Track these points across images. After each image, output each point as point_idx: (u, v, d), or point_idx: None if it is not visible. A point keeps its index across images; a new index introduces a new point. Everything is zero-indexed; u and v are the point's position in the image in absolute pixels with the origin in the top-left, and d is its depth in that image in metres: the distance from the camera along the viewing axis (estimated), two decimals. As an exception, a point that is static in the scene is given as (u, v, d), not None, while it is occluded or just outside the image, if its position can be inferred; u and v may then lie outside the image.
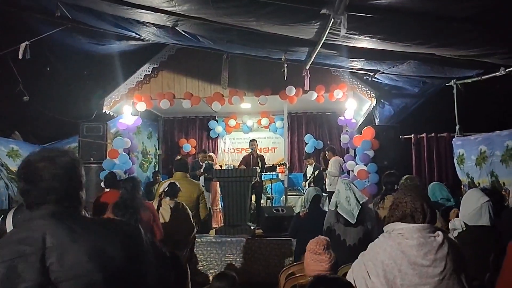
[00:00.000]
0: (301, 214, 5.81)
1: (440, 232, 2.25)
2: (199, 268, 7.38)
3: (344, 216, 4.39)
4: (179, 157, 8.89)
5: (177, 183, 5.26)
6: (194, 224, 5.35)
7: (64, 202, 1.57)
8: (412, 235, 2.20)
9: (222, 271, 4.32)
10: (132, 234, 1.61)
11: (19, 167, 1.61)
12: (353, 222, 4.37)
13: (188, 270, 5.23)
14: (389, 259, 2.17)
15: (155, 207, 4.93)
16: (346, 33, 5.06)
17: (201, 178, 9.53)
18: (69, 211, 1.57)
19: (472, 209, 3.25)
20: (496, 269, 2.63)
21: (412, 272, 2.13)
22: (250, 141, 9.82)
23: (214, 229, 8.07)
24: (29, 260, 1.40)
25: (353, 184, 4.72)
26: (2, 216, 2.63)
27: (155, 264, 1.64)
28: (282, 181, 10.25)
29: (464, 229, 3.24)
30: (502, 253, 2.67)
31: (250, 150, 9.64)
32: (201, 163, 10.02)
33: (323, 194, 9.25)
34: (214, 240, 7.48)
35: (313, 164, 9.96)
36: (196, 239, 6.93)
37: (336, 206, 4.54)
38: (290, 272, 3.92)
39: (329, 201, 9.25)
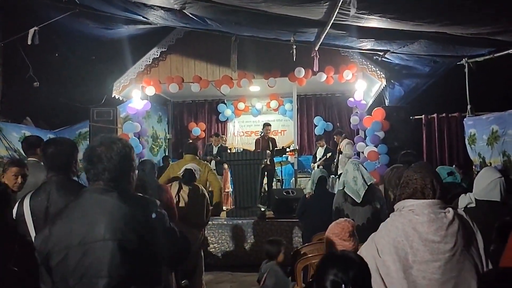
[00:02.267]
0: (307, 196, 5.83)
1: (450, 209, 2.26)
2: (211, 250, 7.45)
3: (351, 195, 4.41)
4: (190, 141, 8.93)
5: (193, 170, 5.26)
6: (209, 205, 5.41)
7: (115, 181, 1.92)
8: (422, 211, 2.21)
9: (273, 237, 4.68)
10: (159, 212, 1.95)
11: (85, 150, 1.98)
12: (359, 201, 4.39)
13: (202, 254, 5.29)
14: (400, 236, 2.18)
15: (176, 190, 4.97)
16: (355, 12, 5.02)
17: (213, 162, 9.55)
18: (118, 189, 1.91)
19: (484, 185, 3.29)
20: (501, 241, 2.64)
21: (423, 249, 2.13)
22: (264, 124, 9.79)
23: (225, 212, 8.13)
24: (77, 220, 1.83)
25: (362, 165, 4.72)
26: (20, 199, 2.67)
27: (169, 239, 2.00)
28: (292, 164, 10.26)
29: (474, 205, 3.29)
30: (508, 226, 2.68)
31: (261, 133, 9.59)
32: (214, 147, 10.03)
33: (334, 176, 9.26)
34: (225, 222, 7.54)
35: (324, 146, 9.94)
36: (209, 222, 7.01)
37: (344, 186, 4.56)
38: (302, 252, 3.95)
39: (340, 183, 9.33)
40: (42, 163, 4.40)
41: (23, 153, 7.79)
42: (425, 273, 2.11)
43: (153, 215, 1.92)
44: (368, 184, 4.43)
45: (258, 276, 4.09)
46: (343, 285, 1.58)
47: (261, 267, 4.14)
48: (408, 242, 2.16)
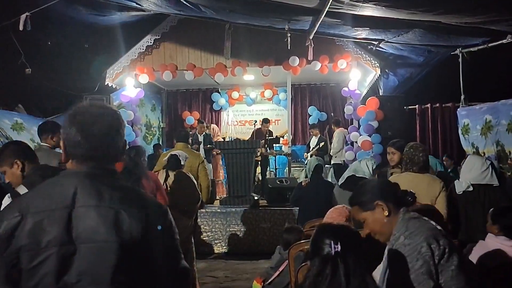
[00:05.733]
0: (303, 184, 5.86)
1: None
2: (204, 238, 7.47)
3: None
4: (182, 129, 8.88)
5: (178, 155, 5.24)
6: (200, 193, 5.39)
7: (106, 162, 1.55)
8: None
9: (290, 225, 4.56)
10: (159, 215, 1.54)
11: (70, 117, 1.53)
12: (339, 185, 4.48)
13: (193, 241, 5.29)
14: None
15: (163, 178, 4.95)
16: (350, 0, 4.99)
17: (201, 150, 9.53)
18: (107, 172, 1.54)
19: (481, 170, 3.46)
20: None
21: None
22: (264, 120, 9.95)
23: (218, 200, 8.15)
24: (56, 215, 1.42)
25: (369, 162, 4.64)
26: None
27: (168, 257, 1.54)
28: (286, 154, 10.29)
29: (472, 189, 3.38)
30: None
31: (259, 126, 9.75)
32: (198, 135, 9.98)
33: (327, 165, 9.29)
34: (218, 210, 7.55)
35: (318, 135, 9.96)
36: (201, 210, 6.99)
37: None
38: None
39: (334, 173, 9.39)
40: (55, 150, 4.39)
41: (10, 139, 7.79)
42: None
43: (162, 221, 1.53)
44: (357, 175, 4.45)
45: (277, 262, 3.91)
46: (336, 248, 1.61)
47: (280, 254, 3.96)
48: None
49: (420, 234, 1.89)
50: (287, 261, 3.65)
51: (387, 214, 2.03)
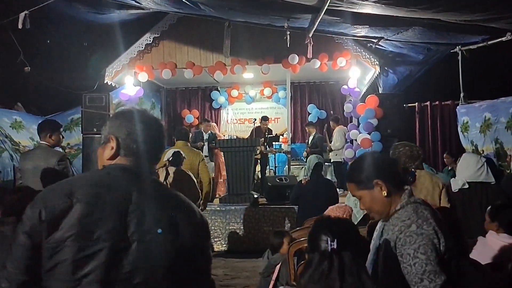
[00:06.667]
0: (303, 182, 5.87)
1: None
2: (204, 236, 7.46)
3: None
4: (182, 127, 8.87)
5: (182, 152, 5.26)
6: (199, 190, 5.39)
7: (153, 162, 1.62)
8: None
9: (278, 229, 4.55)
10: (204, 226, 1.59)
11: (131, 115, 1.59)
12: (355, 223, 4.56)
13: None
14: None
15: (163, 176, 4.94)
16: (350, -3, 4.99)
17: (205, 148, 9.51)
18: (153, 173, 1.62)
19: (476, 168, 3.45)
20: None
21: None
22: (263, 118, 9.92)
23: (218, 198, 8.15)
24: (111, 208, 1.39)
25: None
26: None
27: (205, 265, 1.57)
28: (285, 152, 10.28)
29: (467, 186, 3.44)
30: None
31: (259, 124, 9.73)
32: (204, 133, 9.99)
33: (327, 163, 9.28)
34: (218, 208, 7.55)
35: (313, 133, 9.94)
36: (200, 207, 6.98)
37: None
38: (293, 237, 3.96)
39: (334, 170, 9.39)
40: (54, 148, 4.39)
41: (14, 140, 7.80)
42: None
43: (205, 232, 1.59)
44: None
45: (265, 269, 3.89)
46: (332, 245, 1.59)
47: (268, 259, 4.00)
48: None
49: (431, 224, 1.82)
50: (278, 266, 3.66)
51: (385, 194, 1.91)
